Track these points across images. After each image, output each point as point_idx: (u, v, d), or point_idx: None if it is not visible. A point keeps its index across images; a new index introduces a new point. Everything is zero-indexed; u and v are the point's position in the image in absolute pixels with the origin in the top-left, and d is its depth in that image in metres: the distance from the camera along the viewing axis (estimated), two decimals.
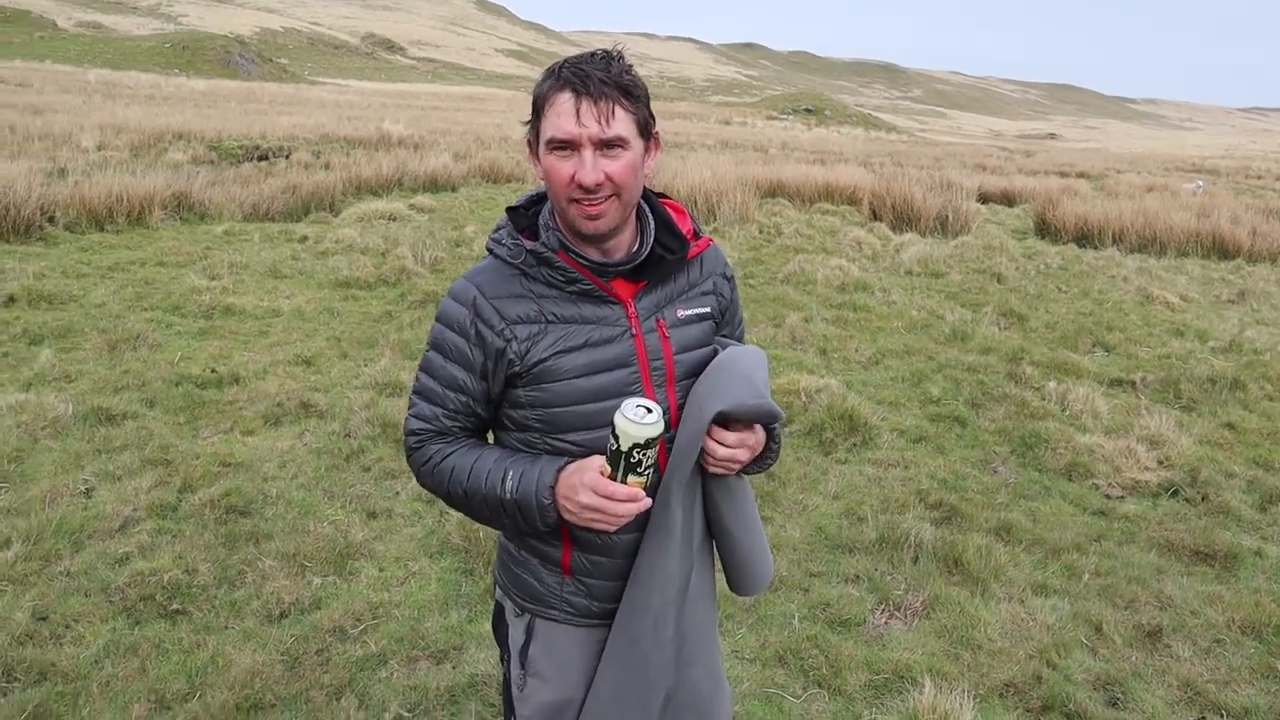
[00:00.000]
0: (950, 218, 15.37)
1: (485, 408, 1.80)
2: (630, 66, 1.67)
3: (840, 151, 35.19)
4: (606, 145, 1.61)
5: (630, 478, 1.59)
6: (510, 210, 1.79)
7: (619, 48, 1.70)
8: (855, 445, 5.52)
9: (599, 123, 1.59)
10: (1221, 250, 13.96)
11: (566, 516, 1.67)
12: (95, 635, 3.36)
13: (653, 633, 1.80)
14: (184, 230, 11.44)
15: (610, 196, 1.63)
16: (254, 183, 14.39)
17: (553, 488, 1.67)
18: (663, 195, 1.89)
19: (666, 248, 1.78)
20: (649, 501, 1.64)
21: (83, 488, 4.51)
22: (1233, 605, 4.02)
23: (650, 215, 1.80)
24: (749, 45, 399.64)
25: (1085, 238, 14.93)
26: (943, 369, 7.13)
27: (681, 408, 1.79)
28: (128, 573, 3.75)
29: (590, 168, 1.60)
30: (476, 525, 4.20)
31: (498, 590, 1.98)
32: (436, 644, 3.43)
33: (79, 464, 4.75)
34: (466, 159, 20.82)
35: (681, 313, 1.81)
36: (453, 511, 4.35)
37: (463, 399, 1.78)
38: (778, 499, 4.81)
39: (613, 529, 1.66)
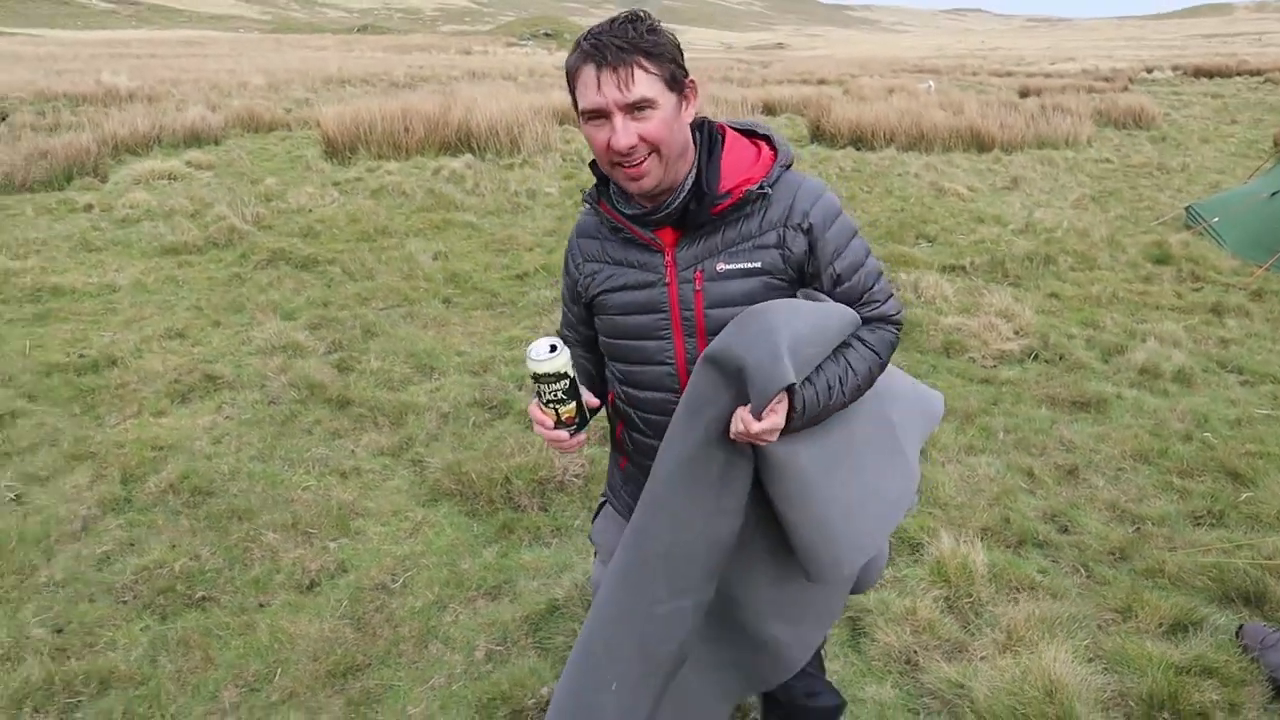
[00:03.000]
0: None
1: (586, 327, 2.02)
2: (653, 26, 1.68)
3: None
4: (634, 108, 1.65)
5: (541, 406, 1.82)
6: (593, 164, 1.86)
7: (642, 10, 1.73)
8: None
9: (619, 89, 1.63)
10: (979, 143, 15.41)
11: None
12: (129, 637, 3.20)
13: (646, 565, 1.85)
14: None
15: (649, 155, 1.68)
16: None
17: None
18: (761, 135, 1.88)
19: (698, 198, 1.79)
20: (556, 434, 1.83)
21: (10, 495, 4.16)
22: (1119, 441, 4.74)
23: (695, 165, 1.81)
24: None
25: (860, 140, 15.99)
26: None
27: None
28: (129, 571, 3.55)
29: (621, 132, 1.65)
30: (466, 466, 4.26)
31: None
32: (485, 582, 3.51)
33: None
34: (219, 110, 19.37)
35: (723, 266, 1.79)
36: (431, 458, 4.43)
37: (568, 315, 2.06)
38: None
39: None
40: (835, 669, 3.03)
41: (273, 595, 3.46)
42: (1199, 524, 3.97)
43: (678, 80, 1.70)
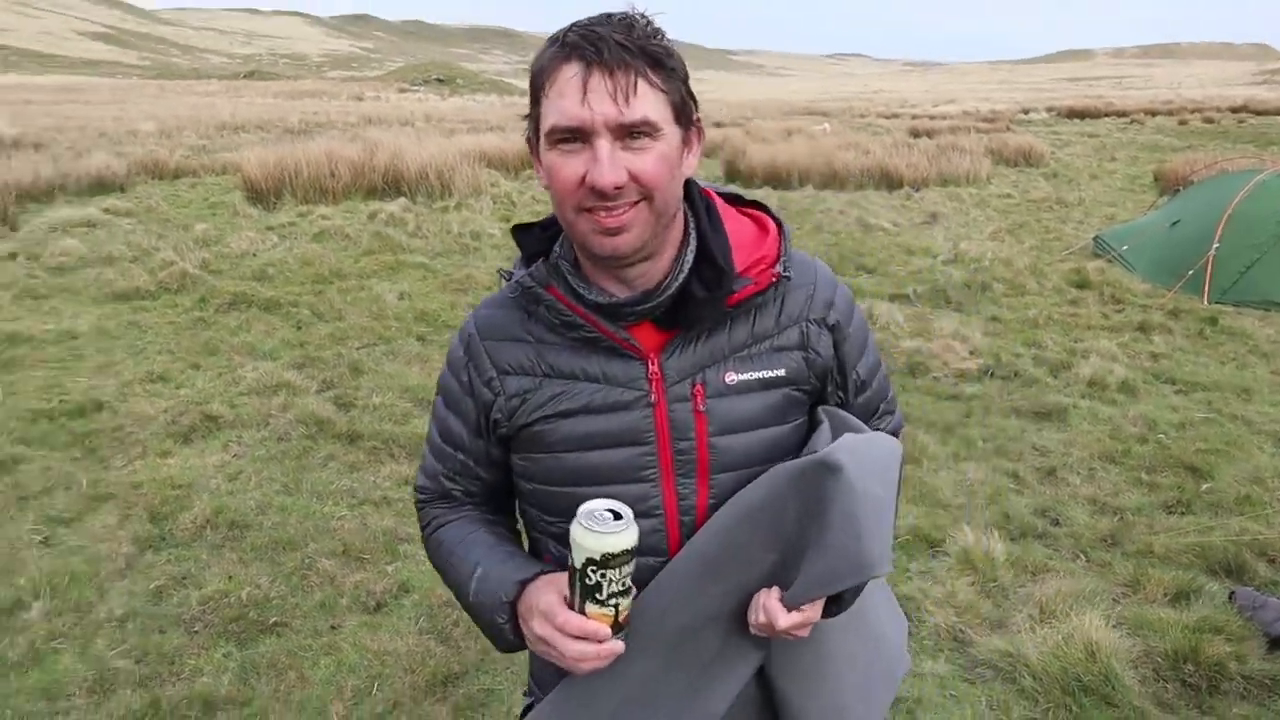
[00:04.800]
0: None
1: (489, 471, 1.44)
2: (661, 32, 1.21)
3: (488, 119, 35.36)
4: (629, 133, 1.16)
5: (589, 606, 1.18)
6: (517, 230, 1.39)
7: (639, 10, 1.21)
8: None
9: (615, 101, 1.15)
10: (889, 182, 16.23)
11: (529, 644, 1.30)
12: (213, 663, 3.28)
13: None
14: None
15: (636, 203, 1.19)
16: None
17: (511, 603, 1.30)
18: (749, 204, 1.42)
19: (706, 282, 1.29)
20: (615, 647, 1.21)
21: (37, 537, 4.15)
22: (1084, 445, 5.20)
23: (694, 234, 1.32)
24: (359, 16, 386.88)
25: (775, 180, 16.64)
26: None
27: (715, 509, 1.32)
28: (193, 602, 3.62)
29: (607, 164, 1.15)
30: None
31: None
32: None
33: (9, 517, 4.33)
34: (121, 158, 18.93)
35: (733, 377, 1.31)
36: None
37: (460, 458, 1.44)
38: None
39: (578, 671, 1.23)
40: None
41: (343, 618, 3.57)
42: (1171, 512, 4.43)
43: (686, 111, 1.24)
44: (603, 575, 1.15)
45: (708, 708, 1.34)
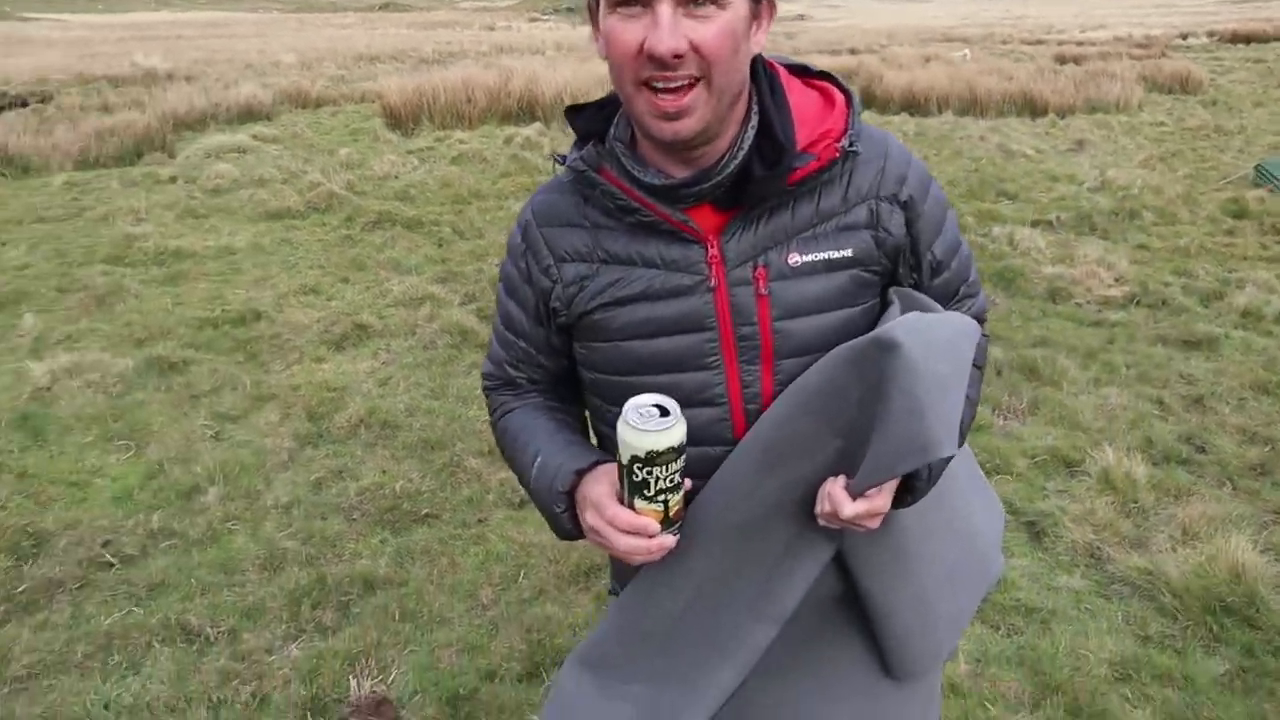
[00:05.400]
0: None
1: (551, 358, 1.43)
2: None
3: None
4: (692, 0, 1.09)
5: (638, 501, 1.17)
6: (570, 111, 1.32)
7: None
8: None
9: None
10: (1032, 108, 15.50)
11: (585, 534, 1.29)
12: (371, 548, 3.54)
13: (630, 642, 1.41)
14: (11, 186, 10.41)
15: (696, 81, 1.12)
16: (46, 131, 13.13)
17: (568, 493, 1.28)
18: (817, 74, 1.32)
19: (767, 159, 1.21)
20: (665, 541, 1.19)
21: (209, 432, 4.50)
22: (1235, 375, 4.99)
23: (756, 111, 1.23)
24: None
25: (912, 106, 16.10)
26: None
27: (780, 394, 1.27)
28: (351, 493, 3.89)
29: (667, 29, 1.08)
30: None
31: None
32: None
33: (184, 412, 4.70)
34: (267, 89, 19.68)
35: (797, 258, 1.24)
36: None
37: (522, 345, 1.42)
38: None
39: (630, 563, 1.24)
40: (1024, 564, 3.33)
41: (489, 512, 3.78)
42: None
43: None
44: (648, 472, 1.13)
45: (780, 603, 1.30)
